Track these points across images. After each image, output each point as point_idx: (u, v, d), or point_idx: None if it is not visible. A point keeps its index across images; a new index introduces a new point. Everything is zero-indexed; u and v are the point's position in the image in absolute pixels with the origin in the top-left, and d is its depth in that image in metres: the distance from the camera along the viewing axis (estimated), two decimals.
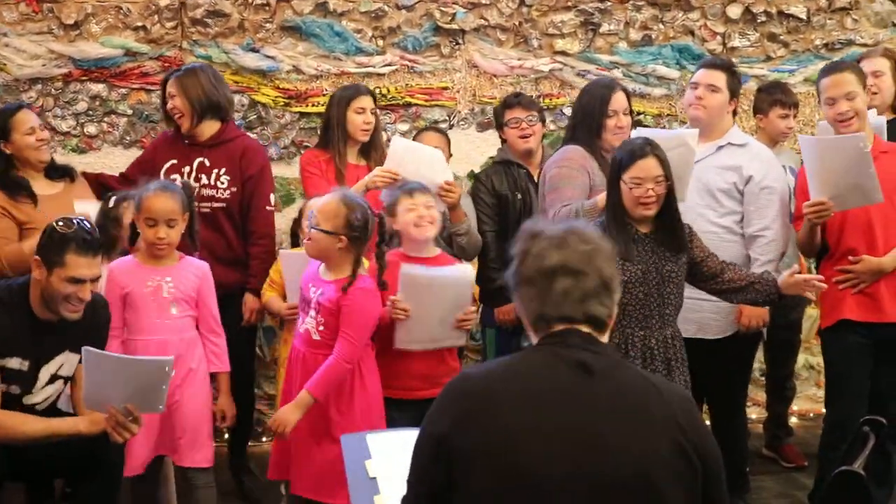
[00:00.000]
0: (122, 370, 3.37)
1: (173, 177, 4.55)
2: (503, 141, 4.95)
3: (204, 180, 4.58)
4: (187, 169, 4.59)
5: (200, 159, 4.60)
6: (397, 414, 3.83)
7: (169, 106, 4.61)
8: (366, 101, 4.70)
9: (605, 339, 2.14)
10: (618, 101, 4.38)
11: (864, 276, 4.13)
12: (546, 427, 1.96)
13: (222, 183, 4.59)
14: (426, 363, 3.95)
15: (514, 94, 5.06)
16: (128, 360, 3.50)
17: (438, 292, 3.87)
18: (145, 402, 3.40)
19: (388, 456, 2.50)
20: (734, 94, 4.40)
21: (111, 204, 4.15)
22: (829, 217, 4.05)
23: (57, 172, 4.51)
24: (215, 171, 4.59)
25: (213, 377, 4.06)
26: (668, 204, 3.72)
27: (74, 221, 3.52)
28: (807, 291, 3.81)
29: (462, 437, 1.97)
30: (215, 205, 4.59)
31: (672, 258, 3.75)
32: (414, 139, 5.04)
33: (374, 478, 2.43)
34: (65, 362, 3.67)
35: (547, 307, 2.10)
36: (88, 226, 3.56)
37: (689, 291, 4.00)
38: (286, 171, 5.41)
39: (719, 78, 4.34)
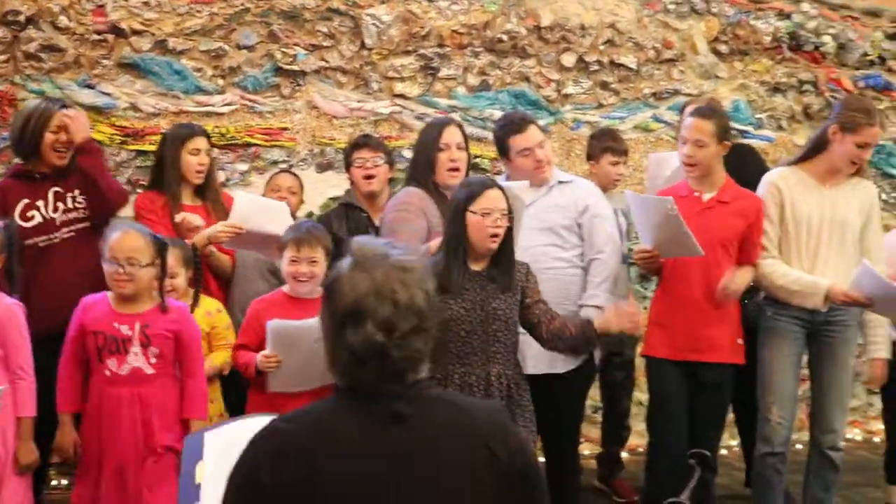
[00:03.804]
0: None
1: (31, 213, 4.38)
2: (351, 182, 4.92)
3: (61, 207, 4.42)
4: (41, 203, 4.40)
5: (55, 189, 4.42)
6: None
7: (62, 139, 4.40)
8: (200, 143, 4.63)
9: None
10: (449, 134, 4.38)
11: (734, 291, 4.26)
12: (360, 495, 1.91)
13: (80, 203, 4.45)
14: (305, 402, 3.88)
15: (364, 135, 5.08)
16: None
17: (309, 341, 3.81)
18: None
19: (220, 455, 2.44)
20: None
21: None
22: (658, 264, 4.25)
23: None
24: (69, 195, 4.44)
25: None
26: (507, 241, 3.76)
27: None
28: (623, 324, 3.79)
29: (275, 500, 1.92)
30: (79, 225, 4.45)
31: (501, 296, 3.77)
32: (269, 179, 5.08)
33: (199, 484, 2.40)
34: None
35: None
36: None
37: None
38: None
39: (538, 130, 4.43)
